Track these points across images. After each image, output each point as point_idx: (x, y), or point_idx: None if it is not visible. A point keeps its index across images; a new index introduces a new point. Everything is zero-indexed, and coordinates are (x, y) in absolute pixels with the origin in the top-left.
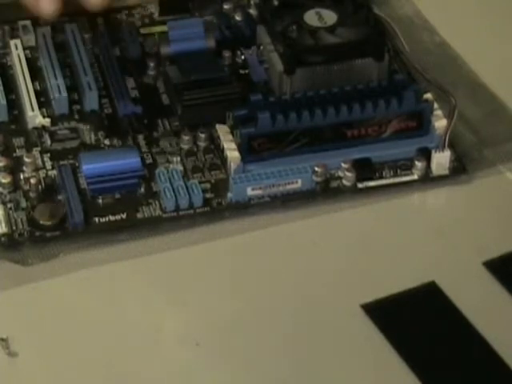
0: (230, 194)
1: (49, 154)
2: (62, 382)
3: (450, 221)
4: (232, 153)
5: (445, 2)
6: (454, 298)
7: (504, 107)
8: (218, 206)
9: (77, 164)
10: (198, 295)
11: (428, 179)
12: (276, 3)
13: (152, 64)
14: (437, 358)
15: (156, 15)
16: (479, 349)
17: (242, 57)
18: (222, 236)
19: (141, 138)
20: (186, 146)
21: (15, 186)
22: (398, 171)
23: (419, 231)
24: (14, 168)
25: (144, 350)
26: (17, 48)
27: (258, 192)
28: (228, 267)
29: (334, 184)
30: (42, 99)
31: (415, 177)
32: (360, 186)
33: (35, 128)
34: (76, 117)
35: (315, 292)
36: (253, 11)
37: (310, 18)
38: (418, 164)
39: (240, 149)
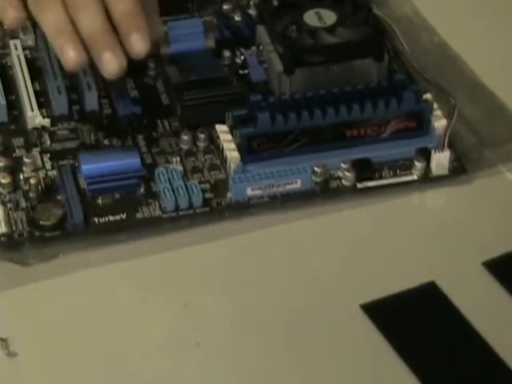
0: (229, 194)
1: (48, 155)
2: (62, 381)
3: (450, 221)
4: (231, 153)
5: (444, 2)
6: (454, 298)
7: (504, 107)
8: (217, 206)
9: (76, 164)
10: (198, 295)
11: (428, 179)
12: (275, 3)
13: (152, 64)
14: (437, 358)
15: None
16: (479, 349)
17: (242, 57)
18: (222, 236)
19: (140, 138)
20: (185, 146)
21: (15, 186)
22: (398, 171)
23: (419, 231)
24: (14, 168)
25: (144, 349)
26: (16, 48)
27: (258, 192)
28: (228, 267)
29: (334, 184)
30: (42, 99)
31: (415, 177)
32: (359, 186)
33: (35, 128)
34: (76, 117)
35: (315, 292)
36: (252, 11)
37: (310, 18)
38: (418, 164)
39: (240, 149)
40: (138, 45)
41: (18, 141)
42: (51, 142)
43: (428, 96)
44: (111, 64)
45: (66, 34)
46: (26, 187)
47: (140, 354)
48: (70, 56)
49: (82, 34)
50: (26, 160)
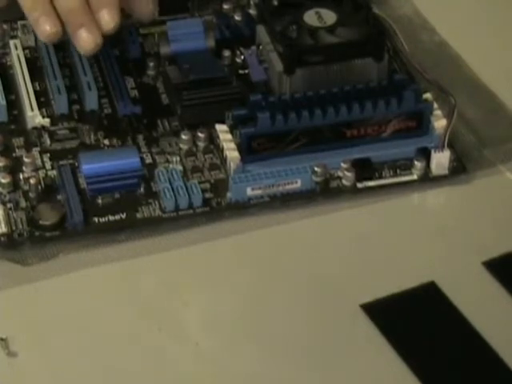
0: (229, 194)
1: (48, 154)
2: (62, 381)
3: (450, 221)
4: (231, 153)
5: (444, 1)
6: (454, 298)
7: (504, 107)
8: (217, 206)
9: (76, 164)
10: (197, 295)
11: (428, 179)
12: (276, 3)
13: (152, 64)
14: (436, 358)
15: (156, 15)
16: (479, 349)
17: (242, 57)
18: (222, 236)
19: (140, 137)
20: (185, 146)
21: (15, 186)
22: (398, 171)
23: (419, 231)
24: (14, 168)
25: (144, 349)
26: (16, 48)
27: (258, 192)
28: (227, 267)
29: (334, 184)
30: (42, 99)
31: (415, 177)
32: (359, 185)
33: (35, 128)
34: (76, 117)
35: (315, 292)
36: (252, 11)
37: (310, 17)
38: (418, 164)
39: (239, 149)
40: (107, 20)
41: (18, 140)
42: (51, 141)
43: (428, 96)
44: (86, 41)
45: (42, 7)
46: (25, 187)
47: (139, 353)
48: (45, 28)
49: (59, 10)
50: (25, 160)
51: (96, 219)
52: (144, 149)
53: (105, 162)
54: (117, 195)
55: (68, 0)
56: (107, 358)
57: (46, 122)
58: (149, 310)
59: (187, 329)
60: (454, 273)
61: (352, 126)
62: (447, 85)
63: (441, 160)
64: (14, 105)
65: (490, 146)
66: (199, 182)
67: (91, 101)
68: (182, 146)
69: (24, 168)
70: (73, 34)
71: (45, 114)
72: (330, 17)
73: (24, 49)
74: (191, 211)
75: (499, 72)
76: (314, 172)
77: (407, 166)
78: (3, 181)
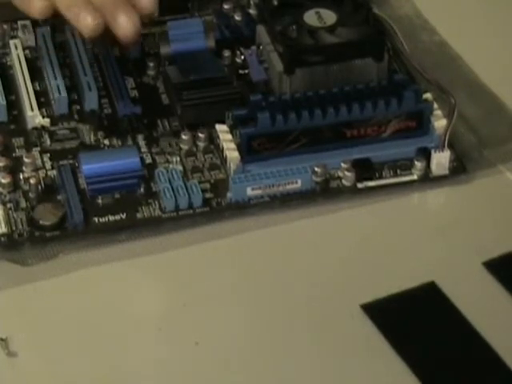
0: (229, 194)
1: (48, 154)
2: (62, 381)
3: (450, 221)
4: (231, 153)
5: (445, 1)
6: (454, 298)
7: (504, 107)
8: (217, 206)
9: (76, 164)
10: (197, 295)
11: (428, 179)
12: (276, 3)
13: (152, 64)
14: (436, 358)
15: (156, 15)
16: (479, 349)
17: (242, 57)
18: (222, 236)
19: (140, 137)
20: (185, 146)
21: (15, 186)
22: (398, 171)
23: (419, 231)
24: (14, 168)
25: (144, 349)
26: (16, 48)
27: (258, 192)
28: (227, 267)
29: (334, 184)
30: (42, 99)
31: (415, 177)
32: (360, 186)
33: (35, 128)
34: (76, 117)
35: (315, 292)
36: (252, 11)
37: (310, 17)
38: (418, 164)
39: (240, 149)
40: (145, 2)
41: (18, 141)
42: (51, 141)
43: (428, 96)
44: (126, 26)
45: (79, 3)
46: (25, 187)
47: (140, 353)
48: (88, 21)
49: (95, 4)
50: (25, 160)
51: (96, 219)
52: (144, 149)
53: (105, 162)
54: (117, 195)
55: None
56: (107, 358)
57: (46, 122)
58: (149, 309)
59: (187, 329)
60: (454, 273)
61: (352, 126)
62: (447, 85)
63: (441, 160)
64: (14, 105)
65: (490, 145)
66: (199, 182)
67: (91, 101)
68: (182, 146)
69: (24, 168)
70: (112, 21)
71: (45, 114)
72: (330, 17)
73: (24, 49)
74: (191, 211)
75: (499, 72)
76: (314, 172)
77: (407, 166)
78: (3, 181)
